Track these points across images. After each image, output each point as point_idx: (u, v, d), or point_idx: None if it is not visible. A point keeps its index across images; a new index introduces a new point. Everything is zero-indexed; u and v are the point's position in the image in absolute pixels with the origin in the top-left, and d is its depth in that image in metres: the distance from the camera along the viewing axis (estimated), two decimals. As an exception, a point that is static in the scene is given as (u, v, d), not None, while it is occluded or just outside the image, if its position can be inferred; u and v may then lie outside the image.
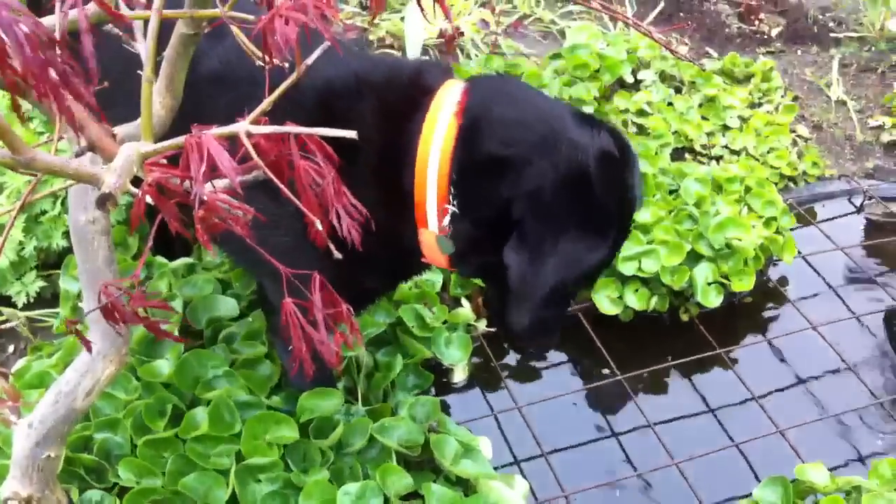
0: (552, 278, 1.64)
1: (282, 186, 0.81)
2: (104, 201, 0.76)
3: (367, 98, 1.72)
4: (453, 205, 1.67)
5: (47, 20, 0.97)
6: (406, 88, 1.75)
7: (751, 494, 2.16)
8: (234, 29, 0.94)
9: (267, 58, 0.78)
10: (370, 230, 1.73)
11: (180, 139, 0.78)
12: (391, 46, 3.97)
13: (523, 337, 1.80)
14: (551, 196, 1.63)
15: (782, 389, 2.71)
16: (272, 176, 0.80)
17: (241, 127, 0.78)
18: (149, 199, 0.73)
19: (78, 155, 1.03)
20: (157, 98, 1.28)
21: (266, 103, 0.82)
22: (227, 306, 2.35)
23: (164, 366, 2.12)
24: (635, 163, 1.76)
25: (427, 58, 1.89)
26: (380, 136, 1.71)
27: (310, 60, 0.82)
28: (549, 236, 1.63)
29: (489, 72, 1.87)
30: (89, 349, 1.08)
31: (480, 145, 1.66)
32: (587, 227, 1.66)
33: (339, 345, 0.85)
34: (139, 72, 1.24)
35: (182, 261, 2.52)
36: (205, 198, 0.68)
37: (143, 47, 1.10)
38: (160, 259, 2.51)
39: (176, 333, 2.19)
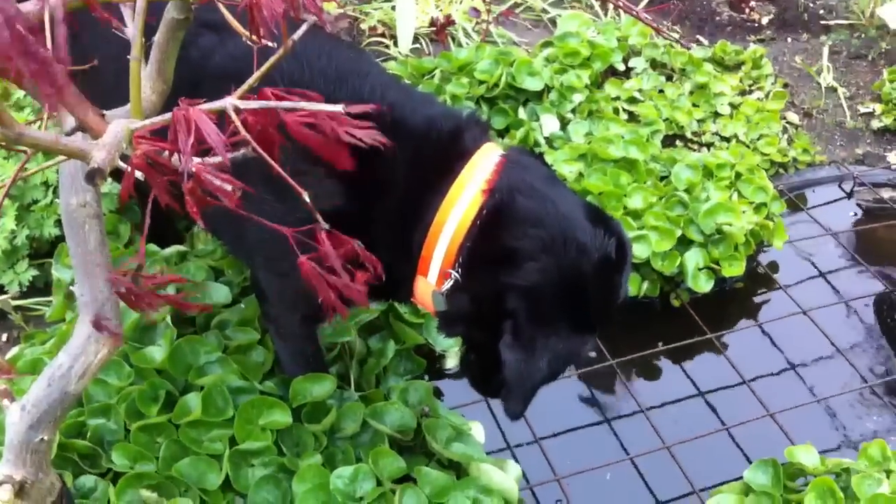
0: (545, 372, 1.74)
1: (271, 161, 0.82)
2: (93, 176, 0.77)
3: (402, 142, 1.69)
4: (457, 272, 1.76)
5: (26, 6, 0.98)
6: (443, 146, 1.80)
7: (742, 477, 2.17)
8: (221, 6, 0.95)
9: (254, 36, 0.78)
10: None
11: (169, 115, 0.78)
12: (382, 35, 3.97)
13: (516, 417, 1.91)
14: (549, 295, 1.71)
15: (773, 374, 2.73)
16: (261, 151, 0.81)
17: (229, 102, 0.78)
18: (139, 175, 0.73)
19: (68, 134, 1.04)
20: (148, 83, 1.29)
21: (253, 79, 0.83)
22: (220, 293, 2.35)
23: (157, 352, 2.12)
24: (629, 260, 1.85)
25: (469, 110, 1.88)
26: (406, 184, 1.78)
27: (297, 35, 0.82)
28: (543, 336, 1.71)
29: (522, 151, 1.93)
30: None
31: (497, 231, 1.74)
32: (579, 327, 1.75)
33: (362, 283, 0.86)
34: (128, 56, 1.24)
35: (174, 248, 2.52)
36: (192, 171, 0.69)
37: (132, 28, 1.11)
38: (152, 247, 2.51)
39: (168, 320, 2.20)
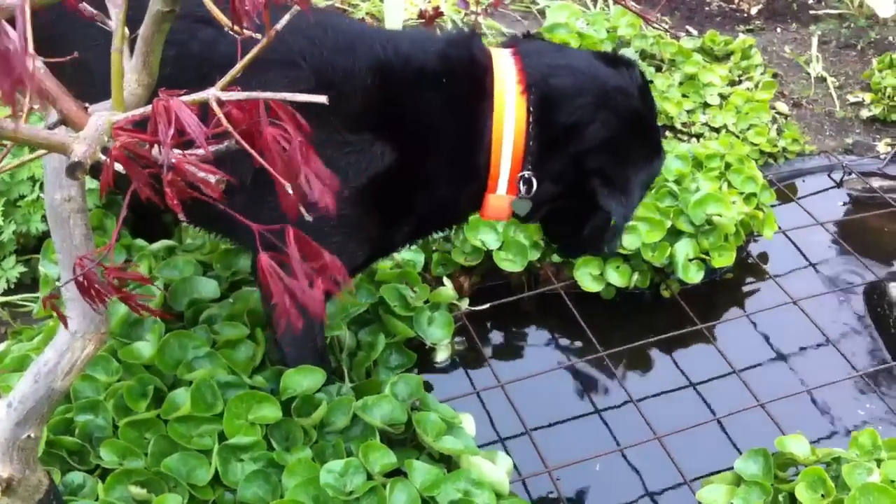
0: (638, 201, 2.01)
1: (254, 154, 0.81)
2: (74, 169, 0.75)
3: (431, 85, 1.89)
4: (529, 172, 1.93)
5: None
6: (467, 72, 1.92)
7: (733, 467, 2.17)
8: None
9: (236, 26, 0.77)
10: (434, 200, 1.95)
11: (150, 107, 0.77)
12: (371, 28, 3.95)
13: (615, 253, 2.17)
14: (619, 140, 1.94)
15: (763, 364, 2.73)
16: (244, 143, 0.79)
17: (211, 93, 0.77)
18: (119, 167, 0.72)
19: (51, 128, 1.03)
20: (133, 76, 1.27)
21: (236, 69, 0.81)
22: (208, 288, 2.34)
23: (145, 347, 2.11)
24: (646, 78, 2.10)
25: (457, 31, 2.01)
26: (452, 121, 1.91)
27: (279, 25, 0.81)
28: (630, 173, 1.95)
29: (521, 40, 2.09)
30: (66, 324, 1.07)
31: (551, 119, 1.91)
32: (651, 150, 2.02)
33: (322, 291, 0.85)
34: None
35: (162, 243, 2.51)
36: (172, 161, 0.68)
37: (114, 19, 1.10)
38: (140, 242, 2.49)
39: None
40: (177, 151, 0.78)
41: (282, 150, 0.86)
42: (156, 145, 0.72)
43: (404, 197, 1.95)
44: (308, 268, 0.86)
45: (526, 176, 1.94)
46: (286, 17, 0.84)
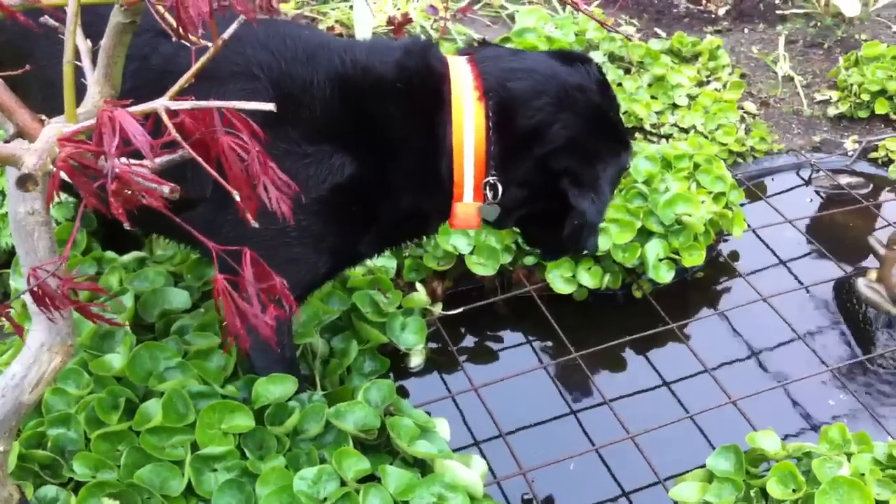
0: (610, 197, 2.00)
1: (205, 165, 0.81)
2: (24, 181, 0.76)
3: (390, 96, 1.89)
4: (494, 177, 1.92)
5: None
6: (424, 81, 1.91)
7: (705, 465, 2.18)
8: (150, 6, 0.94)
9: (182, 32, 0.78)
10: (398, 211, 1.94)
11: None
12: (340, 35, 3.96)
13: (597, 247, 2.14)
14: (584, 139, 1.93)
15: (735, 361, 2.75)
16: (193, 153, 0.80)
17: (160, 103, 0.78)
18: (64, 176, 0.73)
19: (7, 141, 1.03)
20: (96, 88, 1.27)
21: (184, 78, 0.82)
22: (179, 298, 2.34)
23: (116, 359, 2.10)
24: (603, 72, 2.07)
25: (412, 38, 2.01)
26: (411, 131, 1.91)
27: (226, 35, 0.82)
28: (599, 170, 1.94)
29: (476, 48, 2.08)
30: (20, 333, 1.08)
31: (512, 124, 1.91)
32: (617, 144, 2.00)
33: (272, 318, 0.85)
34: (77, 62, 1.23)
35: (133, 255, 2.50)
36: (116, 171, 0.68)
37: (67, 32, 1.10)
38: (110, 254, 2.49)
39: (127, 327, 2.18)
40: (124, 161, 0.78)
41: (239, 159, 0.87)
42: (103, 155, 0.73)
43: (366, 208, 1.95)
44: (260, 291, 0.87)
45: (491, 181, 1.93)
46: (233, 27, 0.85)
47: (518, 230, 2.25)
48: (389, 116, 1.88)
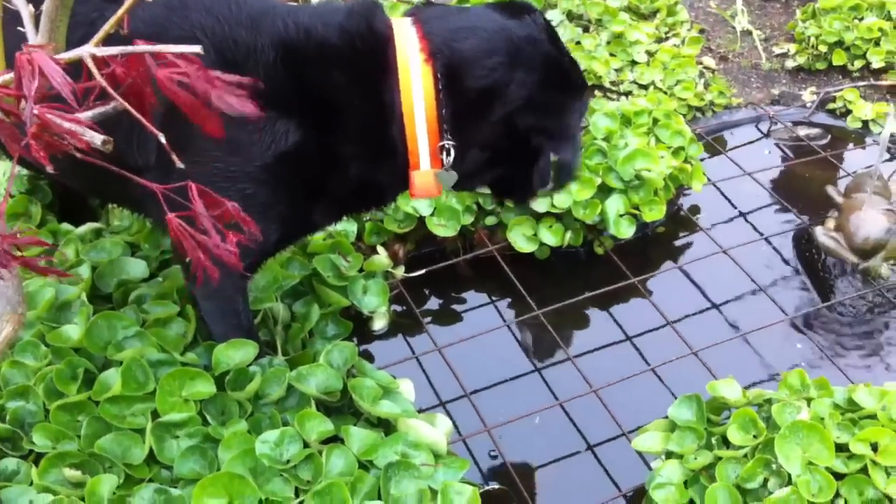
0: (581, 139, 2.03)
1: (136, 114, 0.80)
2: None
3: (333, 61, 1.83)
4: (450, 142, 1.88)
5: None
6: (368, 45, 1.86)
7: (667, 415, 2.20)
8: None
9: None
10: (348, 180, 1.89)
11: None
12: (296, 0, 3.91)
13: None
14: (545, 93, 1.88)
15: (697, 313, 2.77)
16: (125, 103, 0.78)
17: (85, 50, 0.76)
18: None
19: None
20: (37, 52, 1.25)
21: (111, 23, 0.80)
22: (137, 268, 2.32)
23: (73, 330, 2.08)
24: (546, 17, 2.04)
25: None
26: (358, 96, 1.86)
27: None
28: (566, 120, 1.93)
29: (419, 7, 2.02)
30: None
31: (463, 85, 1.85)
32: (576, 88, 1.98)
33: (234, 243, 0.84)
34: (19, 28, 1.21)
35: (88, 226, 2.47)
36: (35, 113, 0.67)
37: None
38: (66, 226, 2.46)
39: (83, 298, 2.16)
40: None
41: (180, 84, 0.85)
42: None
43: (315, 175, 1.91)
44: (215, 221, 0.86)
45: (447, 146, 1.88)
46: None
47: (490, 189, 2.20)
48: (333, 82, 1.84)
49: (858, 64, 3.81)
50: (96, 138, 0.83)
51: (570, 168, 1.95)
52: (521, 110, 1.88)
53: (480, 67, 1.85)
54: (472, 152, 1.93)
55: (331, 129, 1.86)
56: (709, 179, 3.17)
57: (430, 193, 1.97)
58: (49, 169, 0.73)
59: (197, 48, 0.79)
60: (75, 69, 0.85)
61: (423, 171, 1.91)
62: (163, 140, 0.77)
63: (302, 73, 1.83)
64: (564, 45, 1.99)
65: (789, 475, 1.93)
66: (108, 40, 0.89)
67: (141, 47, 0.78)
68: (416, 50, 1.84)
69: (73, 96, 0.72)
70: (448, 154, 1.89)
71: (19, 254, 0.96)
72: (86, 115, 0.86)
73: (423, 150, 1.88)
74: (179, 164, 0.81)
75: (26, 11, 1.26)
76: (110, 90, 0.75)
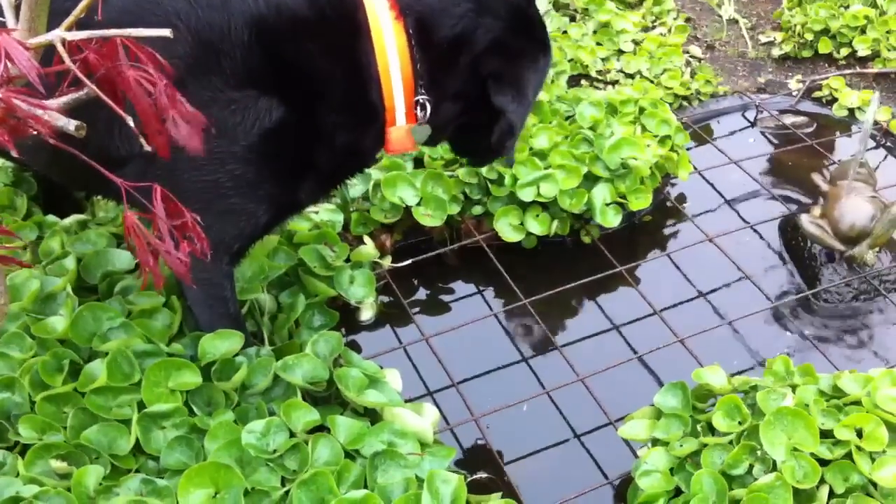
0: (533, 100, 2.03)
1: (107, 101, 0.79)
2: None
3: (306, 31, 1.84)
4: (423, 94, 1.92)
5: None
6: (337, 11, 1.87)
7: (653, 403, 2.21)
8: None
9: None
10: (334, 150, 1.91)
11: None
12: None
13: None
14: (507, 40, 1.94)
15: (683, 302, 2.78)
16: (94, 88, 0.78)
17: (56, 34, 0.76)
18: None
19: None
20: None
21: (80, 8, 0.80)
22: (122, 259, 2.30)
23: (58, 322, 2.08)
24: None
25: None
26: (333, 62, 1.87)
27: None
28: (520, 70, 1.96)
29: None
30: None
31: (434, 37, 1.90)
32: (539, 46, 2.02)
33: (186, 254, 0.84)
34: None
35: (74, 218, 2.46)
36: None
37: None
38: (51, 218, 2.45)
39: (69, 289, 2.15)
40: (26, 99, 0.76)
41: (146, 92, 0.85)
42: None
43: (302, 149, 1.92)
44: (172, 228, 0.86)
45: (421, 101, 1.93)
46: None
47: (449, 141, 2.24)
48: (310, 53, 1.85)
49: (844, 52, 3.81)
50: (70, 124, 0.82)
51: (510, 123, 1.97)
52: (484, 55, 1.92)
53: (450, 16, 1.89)
54: (444, 105, 1.97)
55: (313, 100, 1.87)
56: (695, 168, 3.18)
57: (406, 148, 2.01)
58: (13, 153, 0.73)
59: (167, 32, 0.79)
60: (51, 57, 0.85)
61: (399, 127, 1.96)
62: (131, 124, 0.76)
63: (278, 49, 1.83)
64: (536, 6, 2.05)
65: (774, 461, 1.94)
66: (83, 29, 0.89)
67: (113, 31, 0.78)
68: (385, 9, 1.87)
69: (42, 82, 0.72)
70: (423, 109, 1.94)
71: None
72: (58, 101, 0.86)
73: (399, 106, 1.92)
74: (147, 147, 0.81)
75: (6, 1, 1.25)
76: (80, 75, 0.75)
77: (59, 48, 0.74)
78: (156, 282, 0.86)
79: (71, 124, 0.82)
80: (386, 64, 1.87)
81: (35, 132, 0.74)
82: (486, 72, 1.93)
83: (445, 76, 1.93)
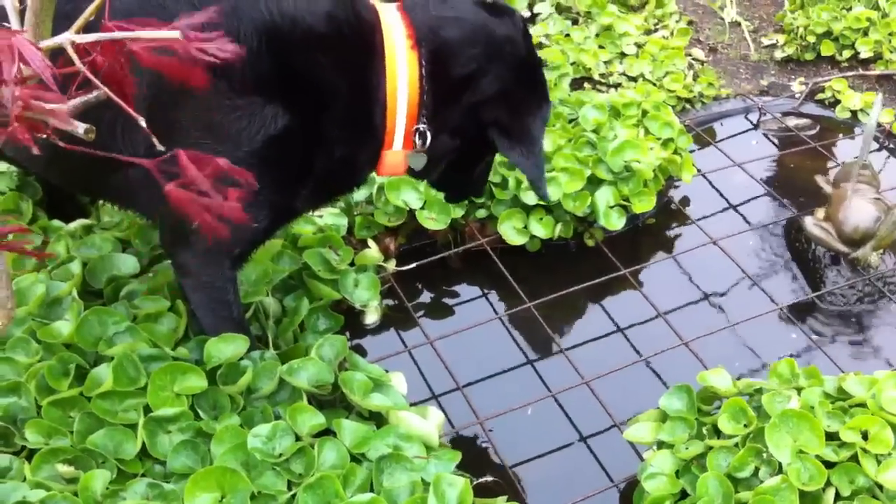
0: (541, 149, 2.05)
1: (116, 99, 0.80)
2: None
3: (321, 46, 1.86)
4: (424, 125, 1.96)
5: None
6: (354, 31, 1.90)
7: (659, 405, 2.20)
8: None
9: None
10: (331, 162, 1.93)
11: None
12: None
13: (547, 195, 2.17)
14: (514, 91, 1.99)
15: (687, 304, 2.78)
16: (107, 90, 0.79)
17: (66, 37, 0.76)
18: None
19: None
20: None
21: (89, 11, 0.80)
22: (127, 264, 2.31)
23: (64, 326, 2.08)
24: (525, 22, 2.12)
25: None
26: (343, 80, 1.90)
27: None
28: (527, 122, 2.01)
29: None
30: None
31: (445, 72, 1.94)
32: (540, 95, 2.07)
33: (237, 198, 0.85)
34: (4, 24, 1.21)
35: (79, 222, 2.47)
36: (17, 94, 0.67)
37: None
38: (56, 223, 2.46)
39: (74, 294, 2.16)
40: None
41: (158, 51, 0.85)
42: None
43: (302, 159, 1.92)
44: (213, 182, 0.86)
45: (421, 129, 1.96)
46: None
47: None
48: (321, 68, 1.86)
49: (847, 54, 3.82)
50: (80, 127, 0.83)
51: (531, 176, 2.05)
52: (490, 102, 1.97)
53: (464, 56, 1.94)
54: (442, 137, 2.01)
55: (318, 113, 1.89)
56: (698, 170, 3.18)
57: (396, 172, 2.06)
58: (35, 151, 0.73)
59: (175, 34, 0.79)
60: (56, 62, 0.85)
61: (395, 151, 1.99)
62: (143, 124, 0.77)
63: (288, 60, 1.84)
64: (536, 53, 2.10)
65: (780, 464, 1.94)
66: (87, 32, 0.89)
67: (121, 34, 0.78)
68: (402, 36, 1.91)
69: (55, 81, 0.72)
70: (423, 137, 1.97)
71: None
72: (69, 103, 0.86)
73: (399, 131, 1.96)
74: (161, 147, 0.81)
75: (10, 4, 1.26)
76: (92, 77, 0.75)
77: (70, 51, 0.74)
78: (222, 234, 0.87)
79: (80, 127, 0.83)
80: (395, 88, 1.91)
81: (49, 133, 0.74)
82: (489, 118, 1.98)
83: (449, 111, 1.97)
